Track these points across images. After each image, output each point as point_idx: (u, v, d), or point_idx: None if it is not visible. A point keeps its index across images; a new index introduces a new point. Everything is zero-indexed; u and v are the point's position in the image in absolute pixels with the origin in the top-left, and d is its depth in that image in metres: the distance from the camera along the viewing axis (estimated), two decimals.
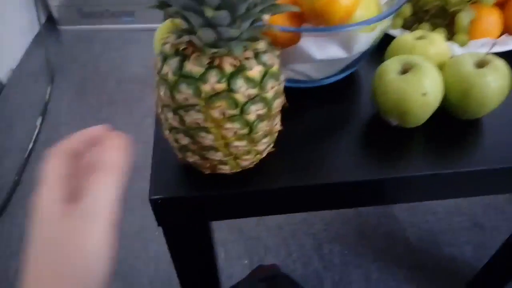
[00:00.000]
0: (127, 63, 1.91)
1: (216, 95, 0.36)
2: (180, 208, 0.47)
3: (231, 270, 1.14)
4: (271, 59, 0.39)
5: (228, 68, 0.36)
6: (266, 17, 0.34)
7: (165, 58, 0.38)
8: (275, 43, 0.41)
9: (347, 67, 0.55)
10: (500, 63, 0.49)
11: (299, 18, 0.49)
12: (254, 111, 0.38)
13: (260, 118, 0.39)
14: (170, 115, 0.39)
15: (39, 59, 1.94)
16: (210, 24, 0.34)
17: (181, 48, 0.37)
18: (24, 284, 0.28)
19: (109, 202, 0.30)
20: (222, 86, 0.36)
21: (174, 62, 0.37)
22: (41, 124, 1.62)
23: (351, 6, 0.46)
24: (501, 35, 0.65)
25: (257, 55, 0.38)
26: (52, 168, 0.32)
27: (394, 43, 0.55)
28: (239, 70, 0.36)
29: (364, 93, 0.58)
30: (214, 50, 0.35)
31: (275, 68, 0.39)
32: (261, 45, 0.39)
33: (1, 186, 1.37)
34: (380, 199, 0.52)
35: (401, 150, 0.50)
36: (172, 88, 0.37)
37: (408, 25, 0.68)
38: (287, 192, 0.47)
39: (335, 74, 0.55)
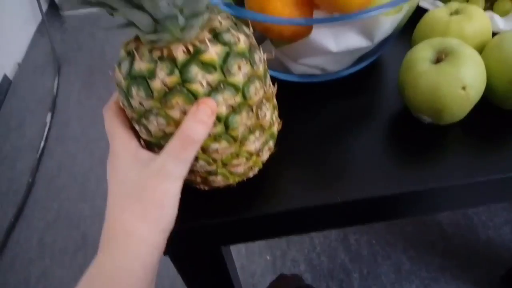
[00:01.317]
0: None
1: (170, 91, 0.30)
2: (182, 238, 0.41)
3: (253, 267, 1.09)
4: (236, 36, 0.32)
5: (180, 57, 0.30)
6: None
7: (119, 64, 0.33)
8: (280, 37, 0.34)
9: (369, 54, 0.47)
10: None
11: (309, 4, 0.41)
12: (221, 102, 0.31)
13: (234, 110, 0.32)
14: (137, 127, 0.34)
15: (44, 49, 1.89)
16: (135, 5, 0.28)
17: (131, 48, 0.32)
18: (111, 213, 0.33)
19: (174, 165, 0.32)
20: (173, 79, 0.30)
21: (125, 65, 0.32)
22: (51, 121, 1.58)
23: None
24: None
25: (216, 35, 0.31)
26: (115, 121, 0.34)
27: (424, 21, 0.47)
28: (194, 56, 0.30)
29: (390, 84, 0.50)
30: (153, 37, 0.29)
31: (241, 45, 0.32)
32: (221, 22, 0.32)
33: (17, 189, 1.35)
34: (412, 212, 0.44)
35: (438, 154, 0.42)
36: (127, 95, 0.32)
37: None
38: (302, 213, 0.40)
39: (355, 64, 0.47)
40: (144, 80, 0.30)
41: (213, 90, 0.31)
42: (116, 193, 0.33)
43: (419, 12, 0.48)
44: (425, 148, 0.43)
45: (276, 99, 0.38)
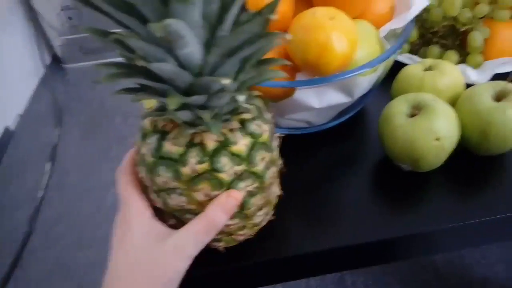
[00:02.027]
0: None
1: (198, 176, 0.32)
2: None
3: None
4: (260, 127, 0.34)
5: (210, 145, 0.32)
6: (241, 98, 0.30)
7: (144, 135, 0.35)
8: (268, 97, 0.37)
9: (352, 107, 0.50)
10: None
11: (293, 69, 0.45)
12: (243, 188, 0.33)
13: (252, 193, 0.35)
14: (153, 196, 0.35)
15: (46, 101, 1.94)
16: (185, 105, 0.30)
17: (160, 125, 0.33)
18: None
19: (194, 246, 0.32)
20: (204, 166, 0.32)
21: (152, 141, 0.33)
22: (50, 169, 1.60)
23: (348, 52, 0.41)
24: None
25: (243, 124, 0.34)
26: (130, 187, 0.35)
27: (400, 76, 0.50)
28: (223, 145, 0.32)
29: (373, 133, 0.53)
30: (193, 130, 0.31)
31: (264, 136, 0.34)
32: (247, 110, 0.34)
33: (14, 238, 1.35)
34: (402, 256, 0.46)
35: (419, 200, 0.45)
36: (151, 170, 0.33)
37: (416, 49, 0.63)
38: (293, 260, 0.42)
39: (340, 116, 0.51)
40: (173, 162, 0.32)
41: (237, 178, 0.33)
42: (122, 262, 0.32)
43: (397, 66, 0.52)
44: (408, 195, 0.45)
45: None
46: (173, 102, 0.27)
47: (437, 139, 0.41)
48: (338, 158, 0.50)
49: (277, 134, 0.38)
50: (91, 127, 1.80)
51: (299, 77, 0.44)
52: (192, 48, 0.28)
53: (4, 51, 1.81)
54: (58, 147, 1.71)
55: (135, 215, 0.33)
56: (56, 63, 2.18)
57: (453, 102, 0.47)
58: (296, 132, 0.51)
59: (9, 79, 1.83)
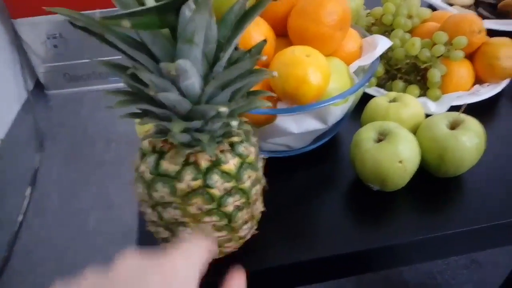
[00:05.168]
0: (115, 123, 1.92)
1: (192, 191, 0.37)
2: None
3: None
4: (247, 149, 0.39)
5: (204, 164, 0.37)
6: (234, 123, 0.35)
7: (143, 155, 0.39)
8: (253, 123, 0.42)
9: (327, 133, 0.56)
10: (472, 122, 0.50)
11: (274, 99, 0.51)
12: (231, 203, 0.38)
13: (239, 208, 0.39)
14: (148, 210, 0.40)
15: (28, 126, 1.95)
16: (185, 129, 0.35)
17: (158, 146, 0.38)
18: None
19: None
20: (197, 183, 0.36)
21: (151, 160, 0.38)
22: (30, 195, 1.60)
23: (322, 85, 0.47)
24: (473, 85, 0.67)
25: (233, 146, 0.39)
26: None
27: (368, 106, 0.57)
28: (215, 164, 0.37)
29: (346, 156, 0.59)
30: (189, 150, 0.36)
31: (251, 157, 0.39)
32: (236, 133, 0.40)
33: None
34: (371, 268, 0.51)
35: (387, 216, 0.50)
36: (149, 186, 0.38)
37: (383, 83, 0.70)
38: (274, 271, 0.47)
39: (317, 141, 0.57)
40: (170, 179, 0.36)
41: (226, 193, 0.37)
42: None
43: (367, 97, 0.59)
44: (377, 211, 0.51)
45: None
46: (177, 127, 0.32)
47: (400, 162, 0.47)
48: (315, 179, 0.56)
49: (261, 156, 0.43)
50: (73, 152, 1.82)
51: (280, 105, 0.50)
52: (193, 80, 0.33)
53: None
54: (39, 171, 1.71)
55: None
56: (39, 89, 2.20)
57: (414, 130, 0.53)
58: (277, 155, 0.57)
59: None
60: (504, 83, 0.67)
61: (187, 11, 0.30)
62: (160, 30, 0.31)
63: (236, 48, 0.37)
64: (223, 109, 0.33)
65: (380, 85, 0.69)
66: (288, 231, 0.49)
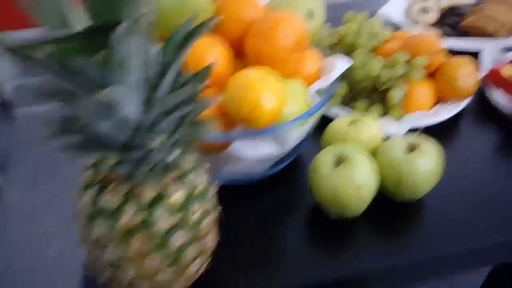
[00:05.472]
0: None
1: (133, 228, 0.34)
2: None
3: None
4: (197, 178, 0.37)
5: (147, 196, 0.34)
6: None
7: (85, 187, 0.36)
8: (205, 149, 0.40)
9: (287, 157, 0.55)
10: (429, 146, 0.50)
11: (229, 123, 0.49)
12: (177, 239, 0.36)
13: (186, 244, 0.37)
14: (90, 247, 0.37)
15: None
16: (123, 160, 0.33)
17: (100, 177, 0.36)
18: None
19: None
20: (139, 218, 0.34)
21: (91, 193, 0.35)
22: None
23: (277, 108, 0.46)
24: (436, 104, 0.67)
25: (180, 176, 0.36)
26: None
27: (328, 129, 0.55)
28: (160, 197, 0.35)
29: (306, 180, 0.57)
30: (131, 183, 0.34)
31: (200, 188, 0.37)
32: (186, 164, 0.37)
33: None
34: None
35: (346, 243, 0.49)
36: (89, 221, 0.35)
37: (346, 102, 0.69)
38: None
39: (276, 165, 0.55)
40: (109, 214, 0.34)
41: (171, 229, 0.35)
42: None
43: (328, 119, 0.58)
44: (338, 238, 0.49)
45: None
46: (109, 159, 0.30)
47: (358, 187, 0.46)
48: (274, 205, 0.54)
49: (215, 184, 0.41)
50: (36, 176, 1.75)
51: (236, 130, 0.49)
52: (131, 108, 0.31)
53: None
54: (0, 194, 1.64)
55: None
56: (4, 108, 2.13)
57: (374, 153, 0.52)
58: (234, 182, 0.54)
59: None
60: (464, 103, 0.68)
61: (116, 36, 0.28)
62: (90, 56, 0.29)
63: (179, 72, 0.35)
64: (161, 140, 0.31)
65: (345, 103, 0.69)
66: (246, 261, 0.47)
